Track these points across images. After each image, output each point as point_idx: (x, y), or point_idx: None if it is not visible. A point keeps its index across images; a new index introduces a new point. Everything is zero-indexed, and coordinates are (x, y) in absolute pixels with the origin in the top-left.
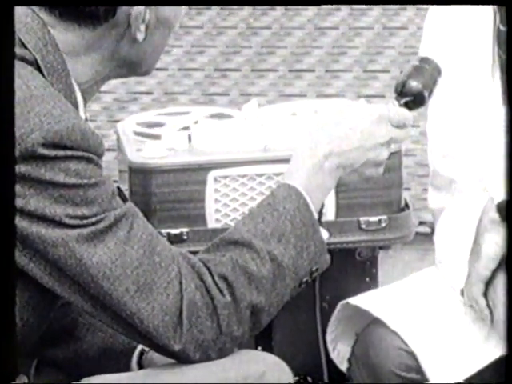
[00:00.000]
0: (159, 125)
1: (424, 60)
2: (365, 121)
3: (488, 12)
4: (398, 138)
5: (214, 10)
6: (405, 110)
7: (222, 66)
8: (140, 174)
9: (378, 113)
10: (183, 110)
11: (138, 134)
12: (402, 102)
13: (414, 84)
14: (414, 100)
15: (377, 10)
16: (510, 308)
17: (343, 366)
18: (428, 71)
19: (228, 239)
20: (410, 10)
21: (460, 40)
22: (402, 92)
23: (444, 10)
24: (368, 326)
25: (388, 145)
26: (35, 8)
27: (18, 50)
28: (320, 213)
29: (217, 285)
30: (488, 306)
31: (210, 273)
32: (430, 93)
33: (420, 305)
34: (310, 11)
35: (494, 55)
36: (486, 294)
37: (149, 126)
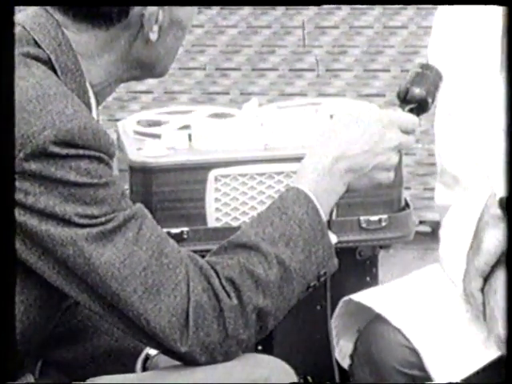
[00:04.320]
0: (159, 124)
1: (425, 66)
2: (375, 125)
3: (497, 11)
4: (406, 143)
5: (215, 9)
6: (413, 116)
7: (222, 65)
8: (140, 173)
9: (387, 117)
10: (185, 109)
11: (138, 133)
12: (407, 109)
13: (418, 91)
14: (418, 106)
15: (377, 9)
16: (509, 308)
17: (345, 363)
18: (430, 77)
19: (236, 242)
20: (410, 9)
21: (469, 37)
22: (405, 99)
23: (452, 10)
24: (370, 323)
25: (397, 149)
26: (49, 8)
27: (32, 49)
28: (329, 216)
29: (224, 288)
30: (483, 302)
31: (218, 275)
32: (433, 99)
33: (423, 302)
34: (311, 10)
35: (502, 51)
36: (482, 290)
37: (149, 125)
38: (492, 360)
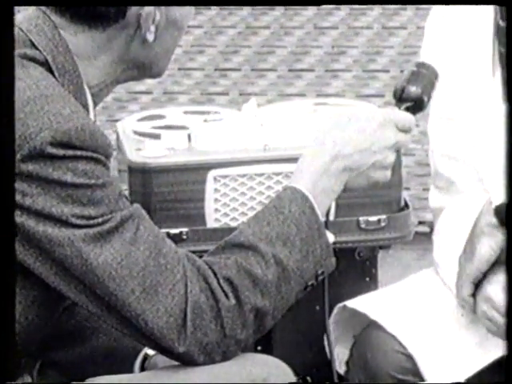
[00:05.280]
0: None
1: (421, 65)
2: (371, 124)
3: (488, 10)
4: (402, 142)
5: (214, 10)
6: (409, 115)
7: (221, 66)
8: (139, 174)
9: (384, 116)
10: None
11: (137, 133)
12: (403, 107)
13: (414, 89)
14: (414, 105)
15: (376, 9)
16: (509, 308)
17: (341, 369)
18: (426, 76)
19: (233, 242)
20: (410, 9)
21: (460, 39)
22: (401, 98)
23: (445, 9)
24: (365, 329)
25: (394, 148)
26: (46, 10)
27: (29, 51)
28: (327, 216)
29: (222, 288)
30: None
31: (215, 275)
32: (429, 97)
33: (417, 307)
34: (310, 11)
35: (494, 52)
36: (474, 295)
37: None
38: (487, 364)
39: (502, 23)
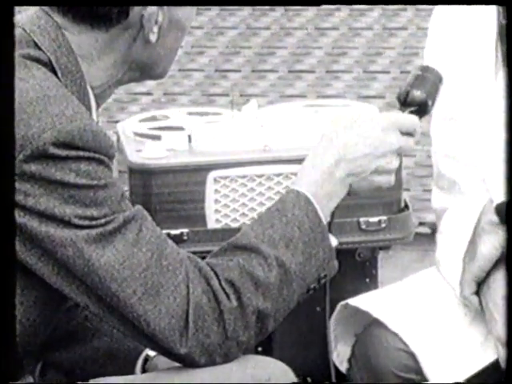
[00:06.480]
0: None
1: (425, 69)
2: (375, 128)
3: (491, 10)
4: (406, 147)
5: (214, 11)
6: (414, 118)
7: (222, 67)
8: (140, 175)
9: (388, 120)
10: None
11: (137, 134)
12: (407, 112)
13: (418, 93)
14: (419, 109)
15: (376, 10)
16: (509, 308)
17: (343, 367)
18: (430, 80)
19: (236, 244)
20: (410, 10)
21: (463, 39)
22: (405, 102)
23: (447, 10)
24: (368, 327)
25: (397, 153)
26: (49, 10)
27: (32, 51)
28: (331, 219)
29: (224, 289)
30: (481, 304)
31: (217, 277)
32: (434, 101)
33: (420, 306)
34: (310, 12)
35: (496, 53)
36: (478, 294)
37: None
38: (490, 362)
39: (504, 22)
